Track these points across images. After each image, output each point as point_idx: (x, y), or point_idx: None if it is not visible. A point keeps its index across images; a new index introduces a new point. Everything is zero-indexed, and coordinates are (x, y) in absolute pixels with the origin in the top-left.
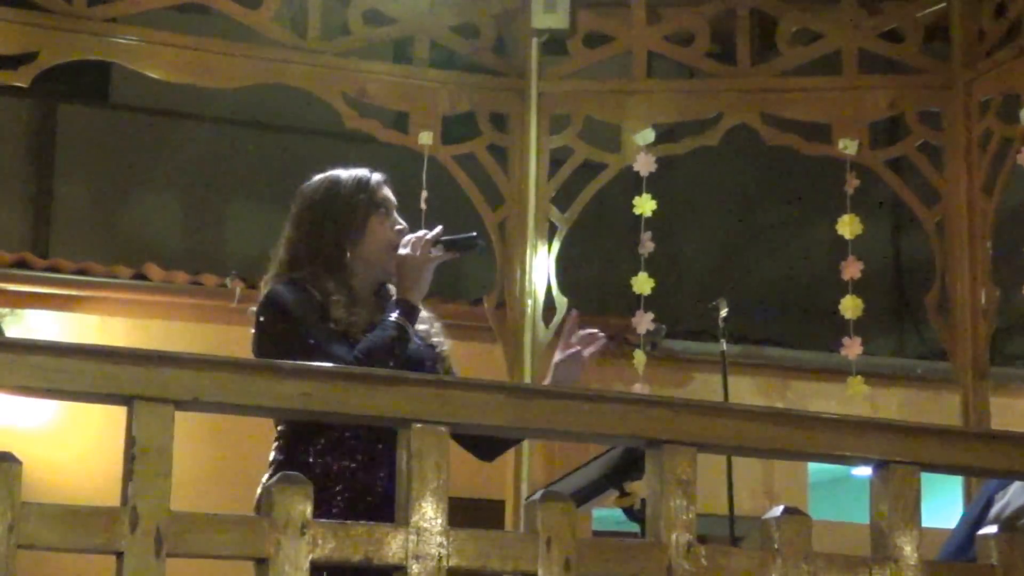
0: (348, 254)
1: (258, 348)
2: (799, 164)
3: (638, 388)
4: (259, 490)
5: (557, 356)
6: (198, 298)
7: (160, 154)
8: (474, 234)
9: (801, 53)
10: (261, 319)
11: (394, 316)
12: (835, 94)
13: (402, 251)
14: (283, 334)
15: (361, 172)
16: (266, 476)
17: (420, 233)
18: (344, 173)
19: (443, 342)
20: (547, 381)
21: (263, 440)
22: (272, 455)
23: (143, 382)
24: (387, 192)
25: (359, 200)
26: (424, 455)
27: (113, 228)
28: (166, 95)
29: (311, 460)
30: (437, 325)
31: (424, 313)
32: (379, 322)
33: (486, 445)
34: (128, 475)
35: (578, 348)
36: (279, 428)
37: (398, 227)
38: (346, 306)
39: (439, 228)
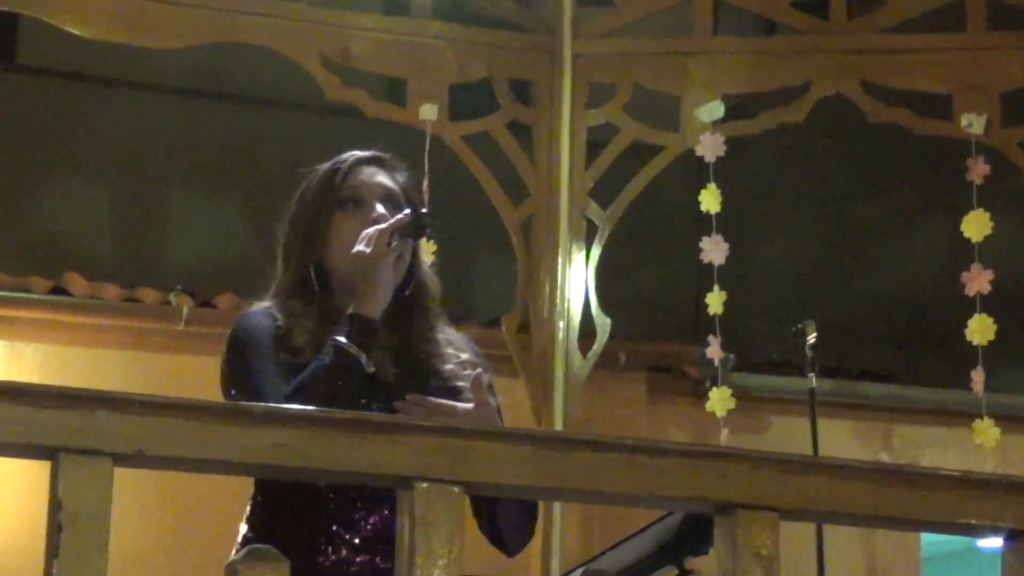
0: (312, 268)
1: (221, 391)
2: (910, 147)
3: (724, 440)
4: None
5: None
6: (134, 319)
7: (84, 132)
8: (423, 211)
9: (913, 3)
10: (223, 354)
11: (337, 338)
12: (957, 56)
13: (355, 250)
14: (231, 374)
15: (340, 157)
16: (234, 552)
17: (380, 225)
18: (329, 162)
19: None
20: None
21: (226, 502)
22: (243, 525)
23: (71, 430)
24: (363, 176)
25: (323, 197)
26: (431, 523)
27: (23, 227)
28: (91, 57)
29: (290, 532)
30: (465, 356)
31: (449, 343)
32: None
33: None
34: (53, 550)
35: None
36: (254, 490)
37: (374, 217)
38: (314, 331)
39: (402, 214)
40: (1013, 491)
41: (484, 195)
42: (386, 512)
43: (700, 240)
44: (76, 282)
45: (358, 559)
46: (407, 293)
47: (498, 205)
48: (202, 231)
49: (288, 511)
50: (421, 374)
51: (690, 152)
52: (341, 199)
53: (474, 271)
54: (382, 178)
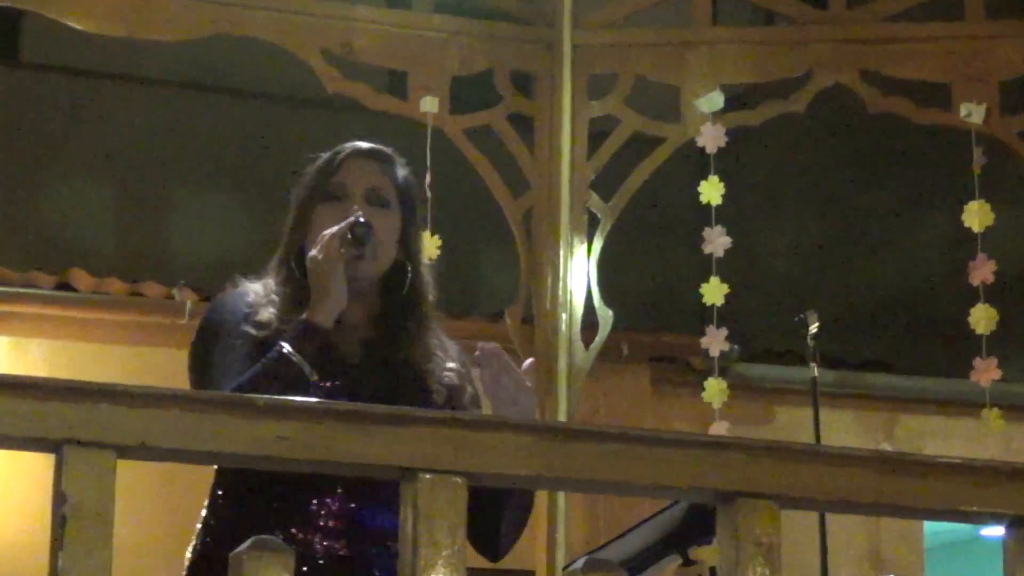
0: (294, 255)
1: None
2: (910, 137)
3: (716, 429)
4: (188, 554)
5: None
6: (139, 313)
7: (87, 128)
8: (359, 219)
9: None
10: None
11: (282, 344)
12: (956, 45)
13: (310, 254)
14: (192, 359)
15: (341, 146)
16: (194, 542)
17: (332, 228)
18: (331, 150)
19: (456, 377)
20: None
21: None
22: (203, 510)
23: (75, 423)
24: (353, 170)
25: (312, 186)
26: (434, 514)
27: (27, 224)
28: (93, 52)
29: (246, 517)
30: (452, 365)
31: (438, 348)
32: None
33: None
34: (57, 543)
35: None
36: (216, 478)
37: (354, 212)
38: (281, 310)
39: (353, 217)
40: (1015, 479)
41: (486, 188)
42: (339, 492)
43: (702, 231)
44: (81, 278)
45: (317, 543)
46: (404, 293)
47: (499, 198)
48: (206, 226)
49: (244, 496)
50: (395, 364)
51: (692, 144)
52: (327, 191)
53: (477, 264)
54: (373, 173)
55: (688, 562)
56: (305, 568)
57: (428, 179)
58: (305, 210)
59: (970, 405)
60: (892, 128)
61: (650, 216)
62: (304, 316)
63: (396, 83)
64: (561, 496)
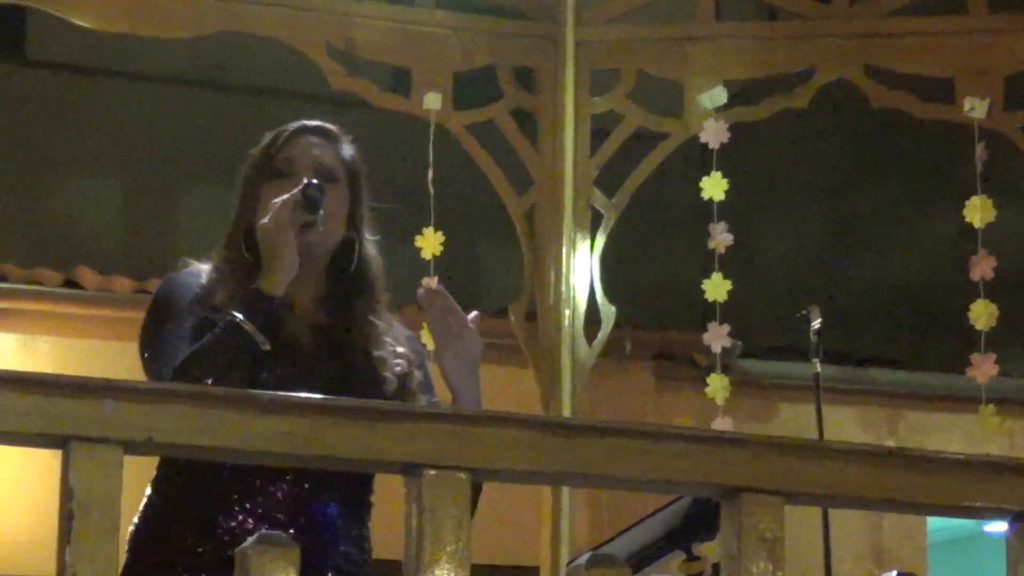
0: (243, 234)
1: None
2: (913, 132)
3: (719, 425)
4: (130, 530)
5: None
6: (144, 310)
7: (93, 125)
8: (311, 182)
9: None
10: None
11: (233, 313)
12: (960, 40)
13: (260, 222)
14: (143, 335)
15: (285, 126)
16: (135, 520)
17: (283, 196)
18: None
19: (406, 363)
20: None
21: None
22: (148, 489)
23: (82, 418)
24: (299, 146)
25: (258, 164)
26: (439, 510)
27: (34, 221)
28: (98, 49)
29: (189, 499)
30: (400, 349)
31: (387, 331)
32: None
33: None
34: (65, 536)
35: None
36: (160, 457)
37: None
38: (234, 290)
39: (302, 184)
40: (1018, 474)
41: (489, 184)
42: (288, 479)
43: (706, 227)
44: (87, 275)
45: (259, 527)
46: (351, 271)
47: (502, 194)
48: (211, 223)
49: (188, 478)
50: (347, 350)
51: (694, 139)
52: (274, 168)
53: (480, 260)
54: (319, 150)
55: (692, 558)
56: None
57: (431, 175)
58: (253, 188)
59: (973, 401)
60: (895, 123)
61: (653, 212)
62: (253, 285)
63: (399, 79)
64: (565, 491)
